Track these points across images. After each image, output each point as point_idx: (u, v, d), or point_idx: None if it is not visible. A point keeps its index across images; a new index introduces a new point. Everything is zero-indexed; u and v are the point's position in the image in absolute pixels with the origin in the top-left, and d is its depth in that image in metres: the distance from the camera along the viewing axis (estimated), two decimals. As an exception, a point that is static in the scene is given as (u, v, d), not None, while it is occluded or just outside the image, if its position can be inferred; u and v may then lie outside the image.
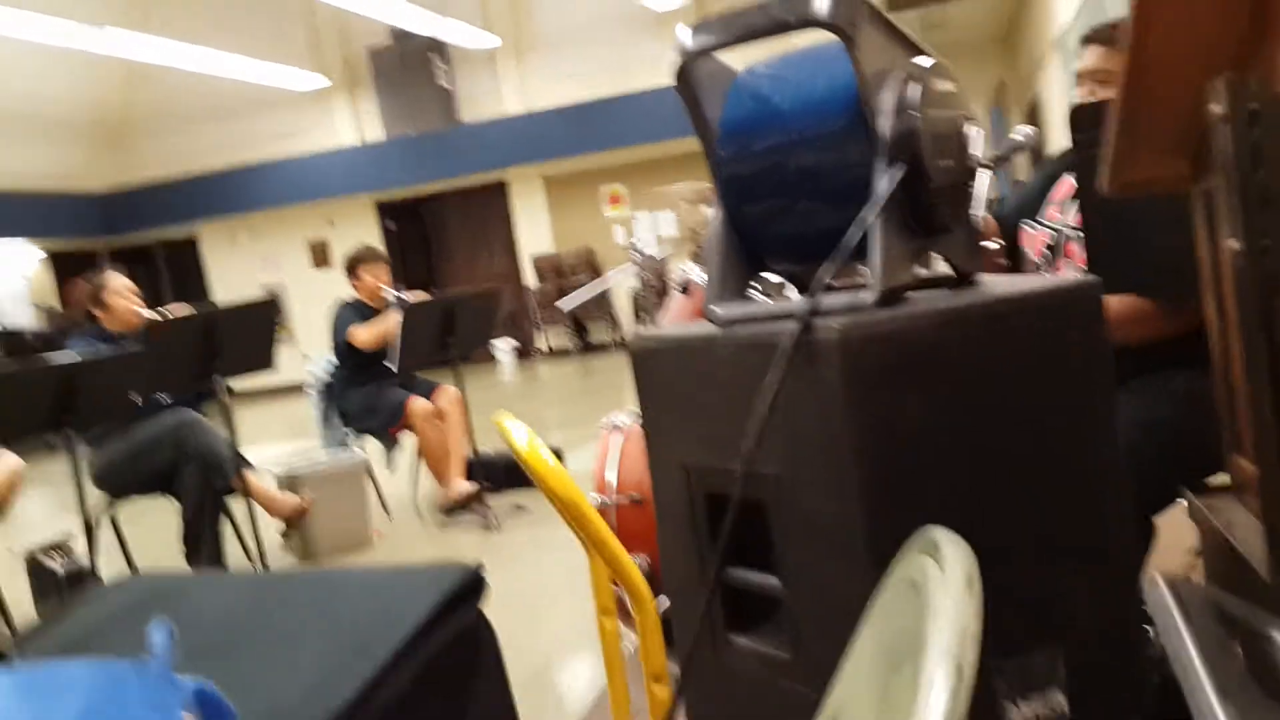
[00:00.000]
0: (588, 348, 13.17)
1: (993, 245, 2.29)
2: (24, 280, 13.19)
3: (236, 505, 4.22)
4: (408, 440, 5.17)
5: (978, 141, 1.35)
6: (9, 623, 3.80)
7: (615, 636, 1.55)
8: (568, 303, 5.60)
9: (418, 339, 4.67)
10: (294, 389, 10.91)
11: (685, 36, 1.31)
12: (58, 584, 4.07)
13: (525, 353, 13.28)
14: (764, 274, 1.39)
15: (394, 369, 4.73)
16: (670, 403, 1.49)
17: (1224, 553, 1.20)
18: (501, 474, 5.04)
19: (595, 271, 12.90)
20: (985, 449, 1.24)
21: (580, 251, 12.98)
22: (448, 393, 5.12)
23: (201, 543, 4.12)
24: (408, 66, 12.64)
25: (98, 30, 9.23)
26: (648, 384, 1.53)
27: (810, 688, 1.20)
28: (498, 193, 13.37)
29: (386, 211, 13.72)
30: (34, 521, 6.17)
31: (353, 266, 5.22)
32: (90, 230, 13.87)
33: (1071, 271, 2.12)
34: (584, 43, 12.60)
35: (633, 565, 1.38)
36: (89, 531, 3.79)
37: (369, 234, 13.32)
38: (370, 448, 5.18)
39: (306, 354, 12.30)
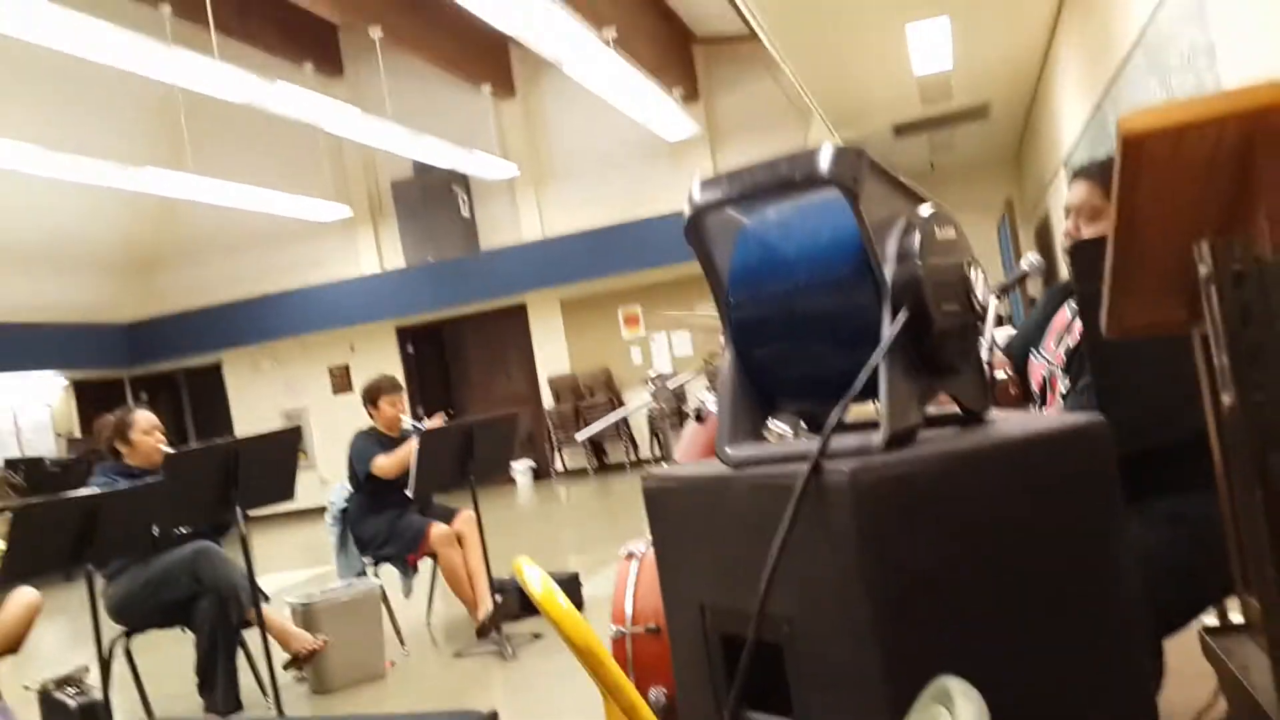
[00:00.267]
0: (604, 468, 13.14)
1: (1002, 376, 2.31)
2: (46, 408, 13.35)
3: (251, 635, 4.18)
4: (424, 566, 5.15)
5: (981, 285, 1.39)
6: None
7: (633, 781, 1.53)
8: (585, 433, 5.64)
9: (435, 465, 4.69)
10: (311, 513, 10.90)
11: (695, 191, 1.37)
12: (69, 718, 4.02)
13: (542, 473, 13.26)
14: (775, 417, 1.42)
15: (410, 495, 4.74)
16: (685, 541, 1.50)
17: (1241, 691, 1.19)
18: (516, 602, 4.99)
19: (612, 391, 12.97)
20: (998, 588, 1.24)
21: (597, 372, 13.08)
22: (463, 516, 5.12)
23: (215, 675, 4.07)
24: (429, 197, 13.02)
25: (136, 170, 9.60)
26: (662, 522, 1.54)
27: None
28: (516, 315, 13.56)
29: (406, 336, 13.91)
30: (49, 653, 6.12)
31: (374, 398, 5.27)
32: (115, 360, 14.09)
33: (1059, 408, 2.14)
34: (599, 171, 12.96)
35: (649, 714, 1.37)
36: (103, 665, 3.76)
37: (389, 358, 13.47)
38: (386, 574, 5.15)
39: (325, 479, 12.36)
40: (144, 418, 4.38)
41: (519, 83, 13.06)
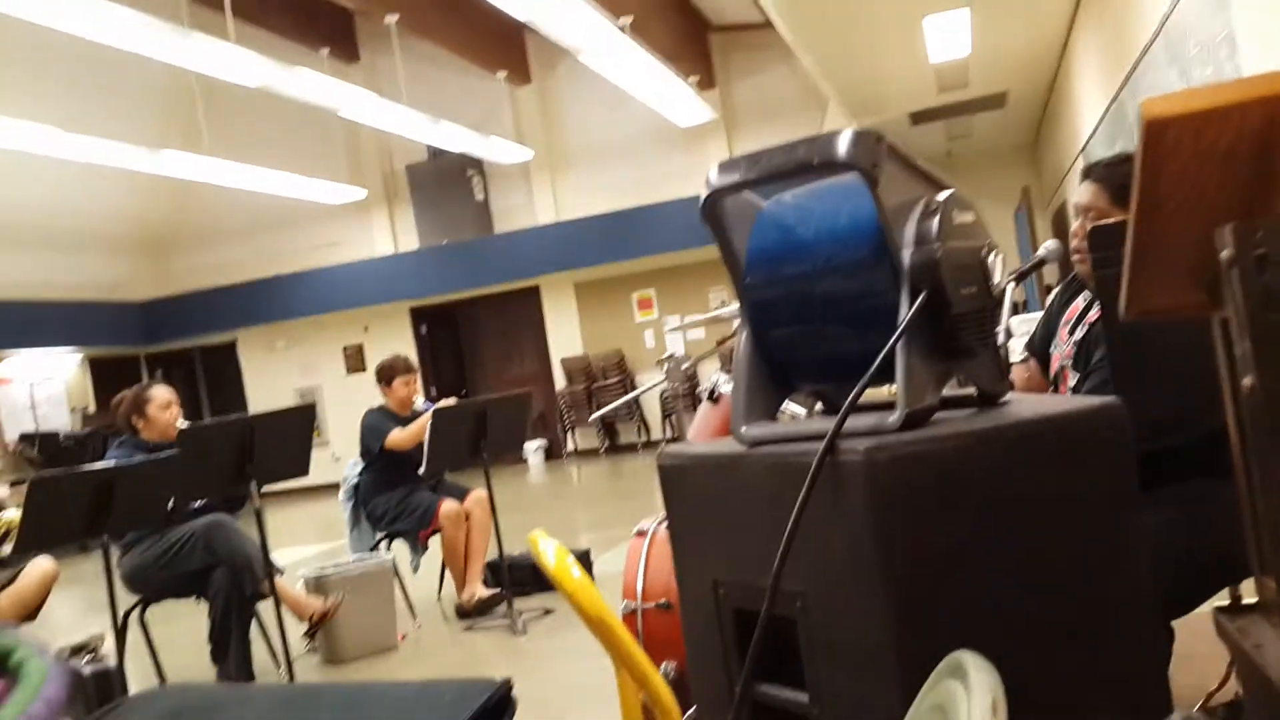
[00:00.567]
0: (616, 449, 13.19)
1: (1019, 360, 2.32)
2: (62, 384, 13.44)
3: (264, 608, 4.23)
4: (434, 543, 5.19)
5: (999, 268, 1.39)
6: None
7: (643, 754, 1.55)
8: (600, 413, 5.67)
9: (448, 443, 4.72)
10: (324, 490, 10.96)
11: (713, 174, 1.38)
12: (83, 685, 4.07)
13: (554, 453, 13.32)
14: (790, 398, 1.43)
15: (422, 473, 4.77)
16: (699, 519, 1.52)
17: (1255, 671, 1.20)
18: (529, 577, 5.03)
19: (625, 373, 12.99)
20: (1011, 567, 1.25)
21: (610, 354, 13.10)
22: (474, 495, 5.15)
23: (229, 645, 4.12)
24: (444, 181, 13.04)
25: (154, 153, 9.64)
26: (677, 498, 1.56)
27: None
28: (530, 297, 13.58)
29: (420, 317, 13.94)
30: (64, 622, 6.18)
31: (388, 377, 5.30)
32: (131, 338, 14.18)
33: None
34: (613, 157, 12.95)
35: (662, 683, 1.39)
36: (118, 634, 3.81)
37: (402, 339, 13.52)
38: (398, 549, 5.19)
39: (338, 457, 12.42)
40: (162, 393, 4.42)
41: (534, 69, 13.04)
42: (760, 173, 1.33)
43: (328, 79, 8.99)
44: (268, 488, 4.12)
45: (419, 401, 5.32)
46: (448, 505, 5.03)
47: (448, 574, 5.28)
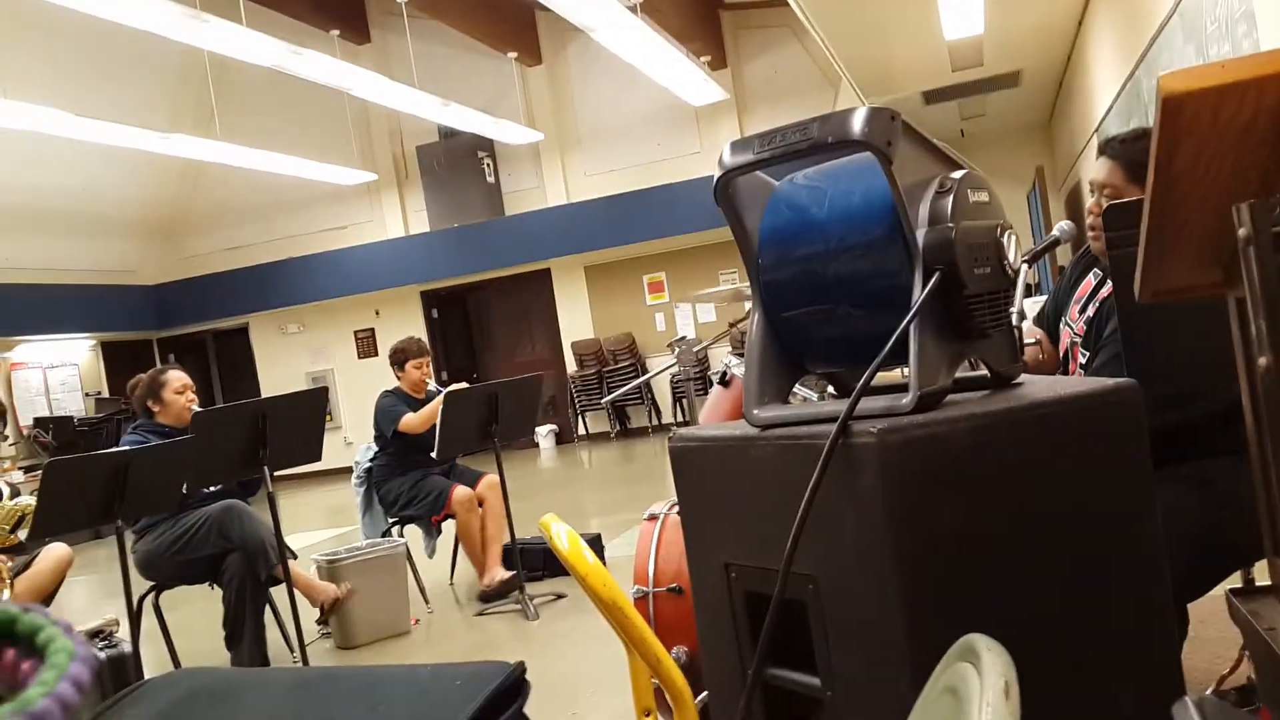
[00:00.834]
0: (626, 433, 13.19)
1: (1030, 342, 2.31)
2: (75, 368, 13.51)
3: (278, 593, 4.25)
4: (447, 527, 5.20)
5: (1014, 249, 1.38)
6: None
7: (656, 737, 1.55)
8: (612, 396, 5.67)
9: (459, 427, 4.72)
10: (336, 474, 11.01)
11: (725, 153, 1.36)
12: (99, 669, 4.10)
13: (565, 437, 13.33)
14: (802, 380, 1.42)
15: (435, 456, 4.78)
16: (710, 501, 1.51)
17: (1268, 653, 1.19)
18: (541, 562, 5.04)
19: (636, 356, 12.99)
20: (1024, 549, 1.24)
21: (621, 337, 13.09)
22: (486, 480, 5.17)
23: (243, 630, 4.14)
24: (454, 163, 13.01)
25: (165, 136, 9.65)
26: (688, 482, 1.55)
27: (853, 795, 1.20)
28: (540, 280, 13.57)
29: (431, 300, 13.95)
30: (79, 607, 6.23)
31: (401, 360, 5.31)
32: (144, 322, 14.24)
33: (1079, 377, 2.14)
34: (624, 138, 12.91)
35: (674, 666, 1.39)
36: (133, 618, 3.83)
37: (413, 322, 13.53)
38: (410, 534, 5.21)
39: (350, 441, 12.46)
40: (176, 377, 4.43)
41: (545, 50, 13.00)
42: (773, 152, 1.31)
43: (338, 61, 8.98)
44: (280, 472, 4.13)
45: (432, 385, 5.34)
46: (460, 491, 5.04)
47: (460, 559, 5.29)
